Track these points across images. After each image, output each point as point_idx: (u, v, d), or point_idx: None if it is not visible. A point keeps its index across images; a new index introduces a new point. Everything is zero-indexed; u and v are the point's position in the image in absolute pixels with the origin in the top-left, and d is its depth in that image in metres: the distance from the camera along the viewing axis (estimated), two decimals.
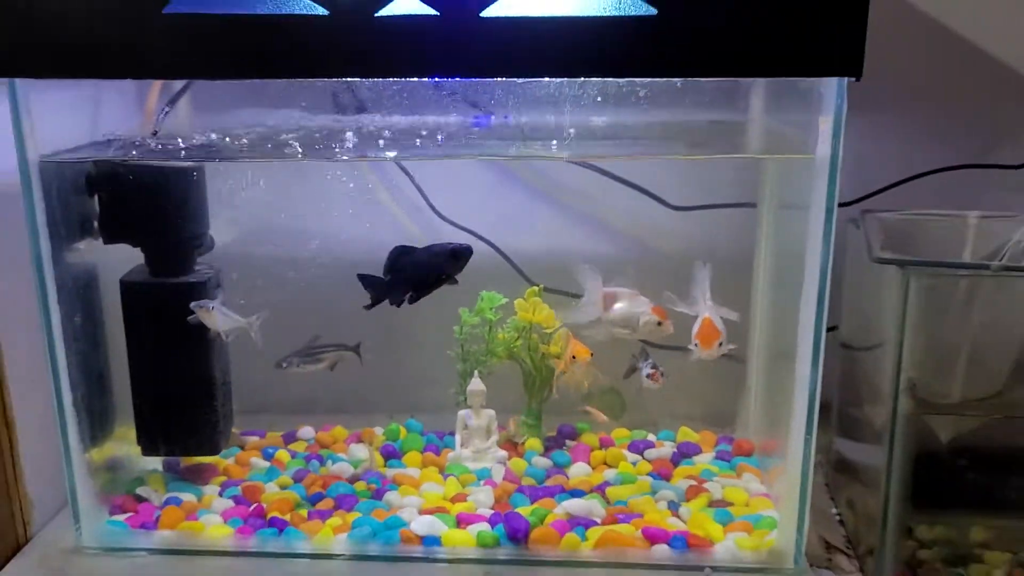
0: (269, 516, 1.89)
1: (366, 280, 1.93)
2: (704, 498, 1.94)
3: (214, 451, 1.98)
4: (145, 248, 1.90)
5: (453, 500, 1.95)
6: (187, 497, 1.98)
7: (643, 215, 2.34)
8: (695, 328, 1.79)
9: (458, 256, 1.86)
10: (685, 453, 2.17)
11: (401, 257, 1.87)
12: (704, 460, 2.13)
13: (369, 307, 1.95)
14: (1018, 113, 2.35)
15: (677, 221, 2.33)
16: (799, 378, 1.73)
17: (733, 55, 1.56)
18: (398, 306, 1.94)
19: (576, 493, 1.97)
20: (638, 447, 2.24)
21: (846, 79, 1.59)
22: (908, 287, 1.68)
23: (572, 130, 1.87)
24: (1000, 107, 2.35)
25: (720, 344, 1.83)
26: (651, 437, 2.31)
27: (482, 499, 1.95)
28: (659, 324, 1.90)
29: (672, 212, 2.31)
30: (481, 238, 2.35)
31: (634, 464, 2.12)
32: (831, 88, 1.61)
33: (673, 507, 1.92)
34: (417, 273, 1.86)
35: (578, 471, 2.08)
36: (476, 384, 2.17)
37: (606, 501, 2.01)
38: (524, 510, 1.88)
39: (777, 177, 2.11)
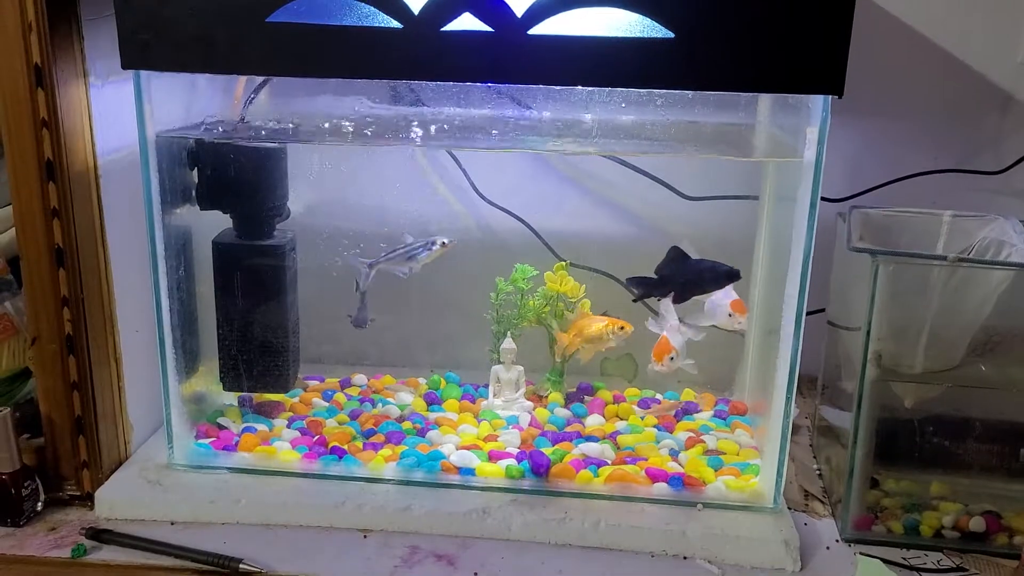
0: (330, 445, 2.10)
1: (636, 281, 2.13)
2: (700, 448, 2.15)
3: (284, 389, 2.19)
4: (234, 214, 2.12)
5: (486, 440, 2.15)
6: (260, 427, 2.20)
7: (659, 203, 2.42)
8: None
9: (729, 277, 2.05)
10: (687, 410, 2.35)
11: (675, 261, 2.05)
12: (703, 417, 2.31)
13: (636, 300, 2.18)
14: (998, 122, 2.62)
15: (689, 210, 2.55)
16: (782, 349, 2.02)
17: (736, 72, 1.77)
18: (658, 299, 2.16)
19: (591, 439, 2.17)
20: (646, 404, 2.50)
21: (830, 96, 1.88)
22: (876, 272, 1.98)
23: (598, 128, 2.16)
24: (982, 116, 2.63)
25: (672, 359, 2.12)
26: (658, 396, 2.63)
27: (510, 440, 2.16)
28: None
29: (685, 201, 2.40)
30: (516, 217, 2.44)
31: (642, 418, 2.33)
32: (817, 103, 1.87)
33: (673, 454, 2.13)
34: (686, 279, 2.05)
35: (593, 421, 2.28)
36: (508, 343, 2.30)
37: (616, 446, 2.17)
38: (546, 450, 2.08)
39: (775, 173, 2.19)
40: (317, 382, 2.46)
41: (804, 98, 1.81)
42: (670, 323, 2.24)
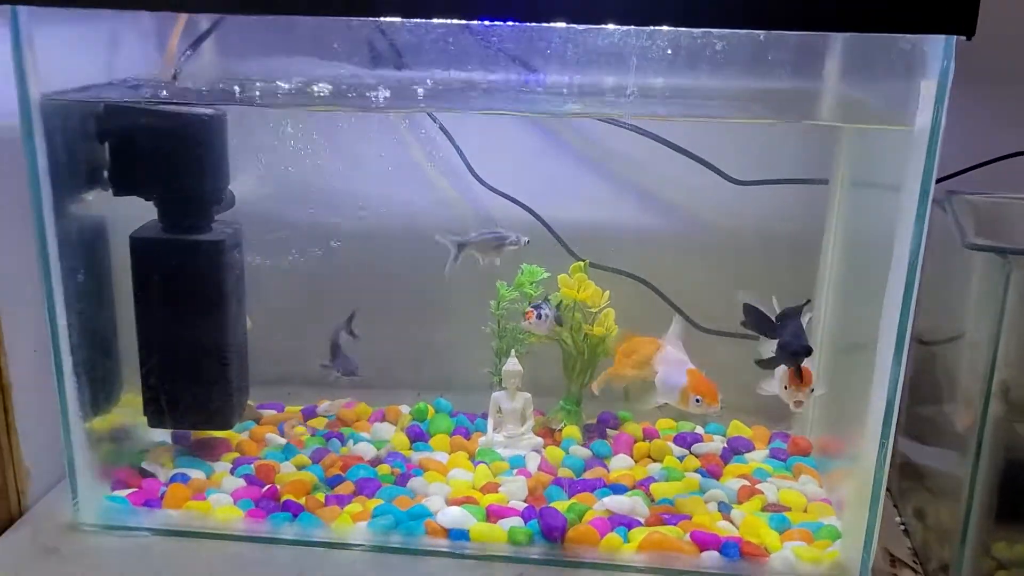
0: (283, 499, 1.77)
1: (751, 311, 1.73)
2: (758, 501, 1.80)
3: (226, 425, 1.83)
4: (158, 202, 1.76)
5: (483, 490, 1.81)
6: (195, 474, 1.85)
7: (700, 189, 2.15)
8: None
9: (795, 356, 1.68)
10: (736, 449, 2.01)
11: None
12: (757, 458, 1.98)
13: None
14: None
15: (737, 197, 2.14)
16: (878, 376, 1.54)
17: (825, 9, 1.36)
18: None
19: (617, 489, 1.82)
20: (685, 440, 2.05)
21: (955, 37, 1.38)
22: (1009, 278, 1.48)
23: (633, 88, 1.67)
24: None
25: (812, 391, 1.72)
26: (699, 430, 2.13)
27: (515, 490, 1.80)
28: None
29: (732, 187, 2.12)
30: (522, 205, 2.18)
31: (680, 459, 1.96)
32: (936, 48, 1.40)
33: (724, 509, 1.77)
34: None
35: (619, 464, 1.94)
36: (512, 364, 2.00)
37: (650, 499, 1.82)
38: (560, 505, 1.74)
39: (853, 151, 1.91)
40: (274, 412, 2.13)
41: (904, 46, 1.47)
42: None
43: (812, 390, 1.70)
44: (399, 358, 2.21)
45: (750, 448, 2.01)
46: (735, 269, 2.14)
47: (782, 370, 1.72)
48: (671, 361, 1.81)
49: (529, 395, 2.02)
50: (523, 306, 2.05)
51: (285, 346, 2.06)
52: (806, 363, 1.73)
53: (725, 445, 2.05)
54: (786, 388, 1.71)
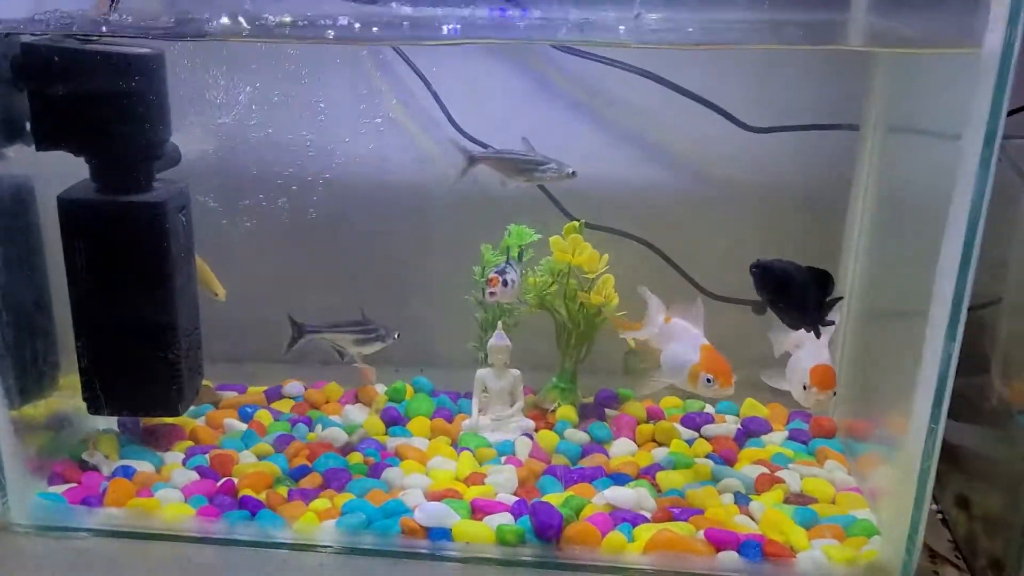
0: (240, 494, 1.60)
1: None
2: (779, 491, 1.62)
3: (173, 410, 1.63)
4: (89, 157, 1.56)
5: (467, 481, 1.65)
6: (143, 466, 1.69)
7: (710, 138, 1.94)
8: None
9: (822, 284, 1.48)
10: (752, 431, 1.83)
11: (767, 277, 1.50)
12: (775, 441, 1.81)
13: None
14: None
15: (752, 147, 1.92)
16: (929, 350, 1.32)
17: None
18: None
19: (619, 478, 1.66)
20: (694, 421, 1.85)
21: None
22: None
23: (639, 11, 1.44)
24: None
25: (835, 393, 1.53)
26: (709, 409, 1.92)
27: (503, 481, 1.63)
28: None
29: (746, 135, 1.90)
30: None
31: (689, 443, 1.79)
32: None
33: (741, 501, 1.60)
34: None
35: (621, 449, 1.77)
36: (499, 339, 1.80)
37: (656, 490, 1.64)
38: (555, 498, 1.58)
39: (890, 91, 1.69)
40: (234, 394, 1.96)
41: None
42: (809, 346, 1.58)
43: (835, 393, 1.48)
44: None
45: (767, 429, 1.84)
46: (749, 229, 1.93)
47: (800, 367, 1.51)
48: (680, 335, 1.59)
49: (518, 372, 1.82)
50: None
51: (247, 319, 1.87)
52: (827, 360, 1.51)
53: (739, 426, 1.85)
54: (805, 389, 1.49)
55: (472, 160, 1.74)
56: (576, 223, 1.82)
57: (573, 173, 1.74)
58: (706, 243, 1.97)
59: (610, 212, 1.95)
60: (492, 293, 1.72)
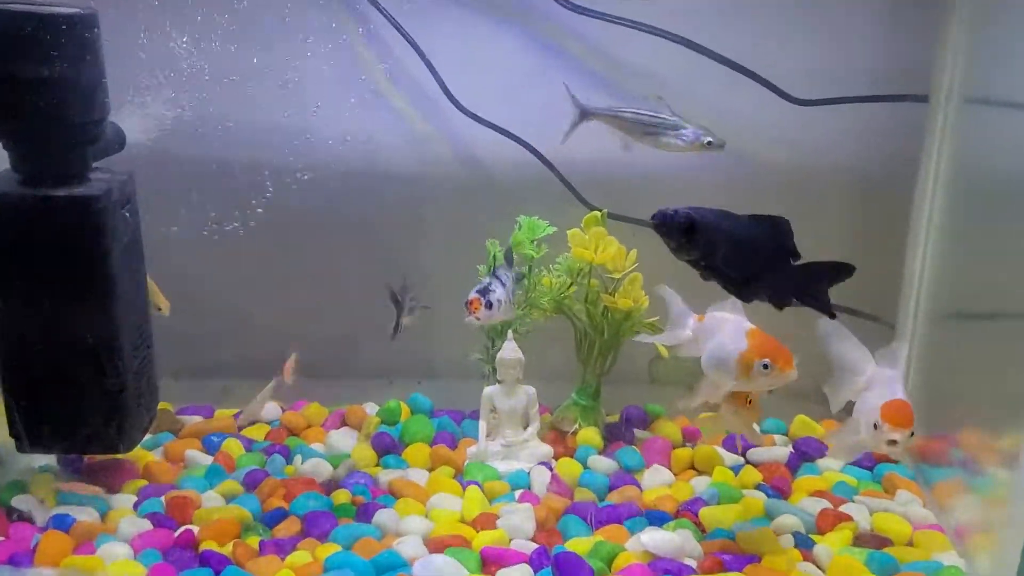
0: (202, 547, 1.37)
1: None
2: (847, 530, 1.42)
3: (114, 447, 1.41)
4: (9, 141, 1.33)
5: (476, 524, 1.44)
6: (84, 514, 1.44)
7: (748, 112, 1.71)
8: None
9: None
10: (806, 455, 1.64)
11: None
12: (833, 466, 1.62)
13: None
14: None
15: (798, 122, 1.70)
16: None
17: None
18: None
19: (656, 517, 1.46)
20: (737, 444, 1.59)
21: None
22: None
23: None
24: None
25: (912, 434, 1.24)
26: (754, 427, 1.64)
27: (518, 523, 1.42)
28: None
29: (791, 109, 1.67)
30: (516, 139, 1.74)
31: (735, 471, 1.59)
32: None
33: (803, 544, 1.39)
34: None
35: (655, 479, 1.58)
36: (510, 351, 1.58)
37: (700, 530, 1.42)
38: (581, 545, 1.36)
39: (969, 56, 1.49)
40: (199, 419, 1.73)
41: None
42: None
43: (912, 434, 1.21)
44: (362, 340, 1.78)
45: (822, 452, 1.64)
46: (795, 220, 1.64)
47: (870, 406, 1.24)
48: (720, 326, 1.33)
49: (533, 390, 1.61)
50: (523, 272, 1.59)
51: (214, 328, 1.73)
52: (902, 396, 1.24)
53: (791, 450, 1.58)
54: (876, 428, 1.21)
55: (584, 115, 1.54)
56: (597, 213, 1.60)
57: (712, 143, 1.51)
58: None
59: (634, 200, 1.67)
60: (475, 318, 1.48)
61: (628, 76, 1.76)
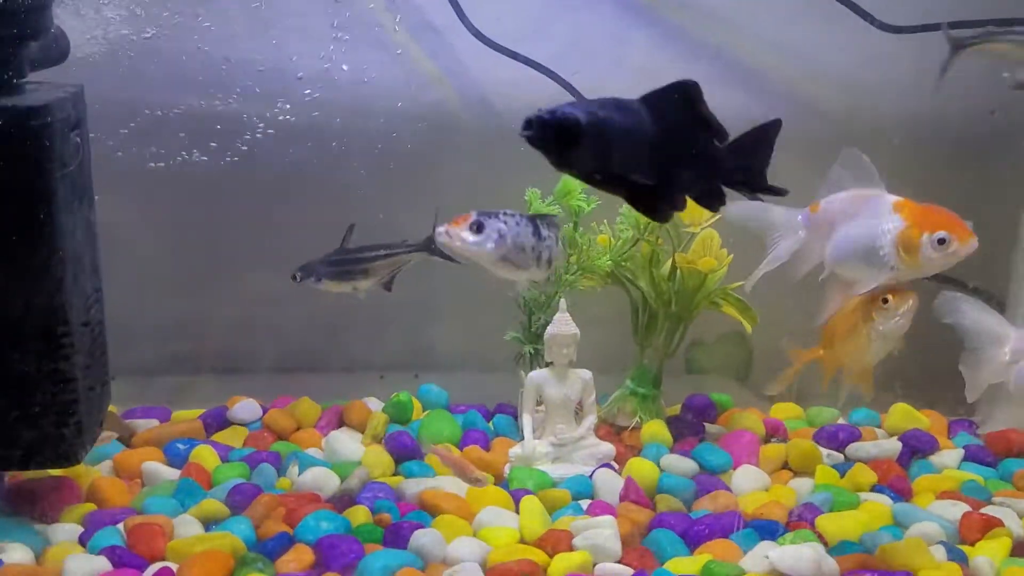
0: None
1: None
2: (1002, 538, 1.17)
3: (67, 457, 1.09)
4: None
5: (545, 545, 1.13)
6: (14, 552, 1.09)
7: (821, 46, 1.52)
8: None
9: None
10: (916, 449, 1.38)
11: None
12: (949, 462, 1.39)
13: None
14: None
15: (885, 57, 1.48)
16: None
17: None
18: None
19: (767, 528, 1.18)
20: (835, 437, 1.39)
21: None
22: None
23: None
24: None
25: None
26: (841, 420, 1.42)
27: (603, 543, 1.11)
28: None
29: (878, 39, 1.45)
30: (551, 74, 1.48)
31: (841, 471, 1.31)
32: None
33: (955, 556, 1.14)
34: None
35: (747, 482, 1.31)
36: (563, 322, 1.30)
37: (822, 543, 1.13)
38: (684, 565, 1.10)
39: None
40: (155, 423, 1.40)
41: None
42: None
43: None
44: (357, 320, 1.52)
45: (934, 446, 1.39)
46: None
47: None
48: (854, 207, 1.12)
49: (589, 374, 1.33)
50: (567, 230, 1.30)
51: (171, 311, 1.48)
52: None
53: (899, 444, 1.35)
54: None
55: (959, 47, 1.30)
56: None
57: None
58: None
59: None
60: (446, 234, 1.15)
61: (673, 7, 1.53)
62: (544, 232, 1.20)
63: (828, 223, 1.13)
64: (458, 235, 1.16)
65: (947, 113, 1.52)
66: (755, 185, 0.98)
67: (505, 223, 1.18)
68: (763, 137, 0.99)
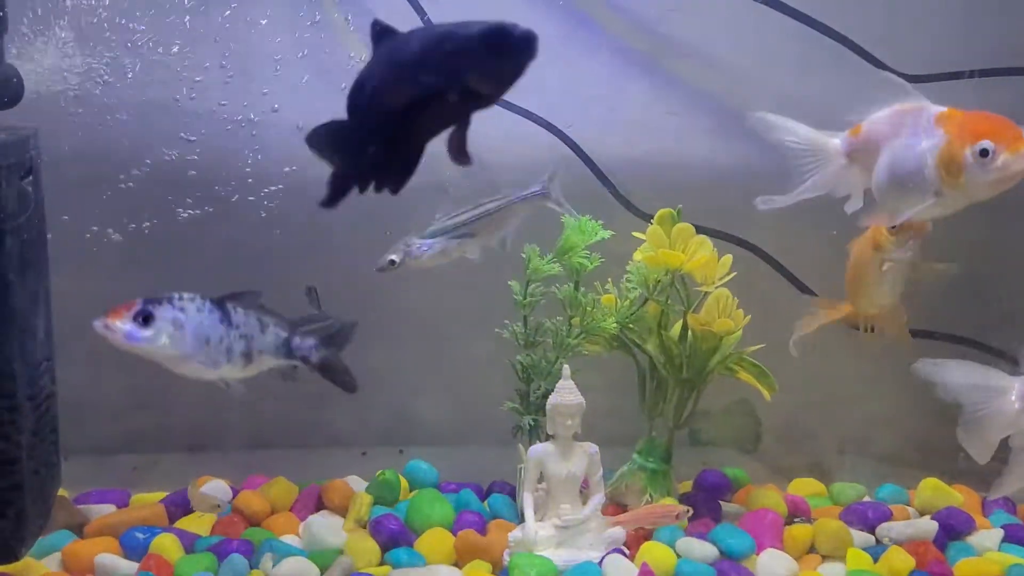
0: None
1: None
2: None
3: (7, 553, 0.96)
4: None
5: None
6: None
7: (829, 93, 1.37)
8: None
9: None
10: (952, 528, 1.26)
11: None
12: (988, 544, 1.26)
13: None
14: None
15: None
16: None
17: None
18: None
19: None
20: (865, 517, 1.26)
21: None
22: None
23: None
24: None
25: None
26: (868, 498, 1.31)
27: None
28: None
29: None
30: (549, 127, 1.39)
31: (874, 555, 1.19)
32: None
33: None
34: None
35: (773, 568, 1.17)
36: (566, 392, 1.17)
37: None
38: None
39: None
40: (111, 508, 1.26)
41: None
42: None
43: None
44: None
45: (971, 525, 1.27)
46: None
47: None
48: (893, 126, 1.02)
49: (595, 448, 1.20)
50: (568, 290, 1.21)
51: (133, 382, 1.32)
52: None
53: (935, 524, 1.24)
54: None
55: None
56: (672, 211, 1.21)
57: None
58: (825, 247, 1.37)
59: (684, 203, 1.32)
60: (103, 327, 0.96)
61: (673, 55, 1.44)
62: (237, 319, 1.02)
63: (872, 147, 1.02)
64: (120, 329, 0.97)
65: None
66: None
67: (183, 310, 0.99)
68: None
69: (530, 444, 1.22)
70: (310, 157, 0.89)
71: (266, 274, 1.30)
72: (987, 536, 1.28)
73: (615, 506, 1.26)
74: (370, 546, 1.16)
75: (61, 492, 1.19)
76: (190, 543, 1.16)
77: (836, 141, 1.06)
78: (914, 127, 0.98)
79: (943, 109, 0.98)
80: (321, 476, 1.33)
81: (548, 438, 1.20)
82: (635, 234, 1.22)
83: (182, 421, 1.40)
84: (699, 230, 1.35)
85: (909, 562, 1.17)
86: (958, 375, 0.99)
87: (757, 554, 1.19)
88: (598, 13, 1.45)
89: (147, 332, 0.95)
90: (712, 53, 1.47)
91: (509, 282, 1.25)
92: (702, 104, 1.48)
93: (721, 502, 1.28)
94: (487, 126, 1.35)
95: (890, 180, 0.99)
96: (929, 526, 1.25)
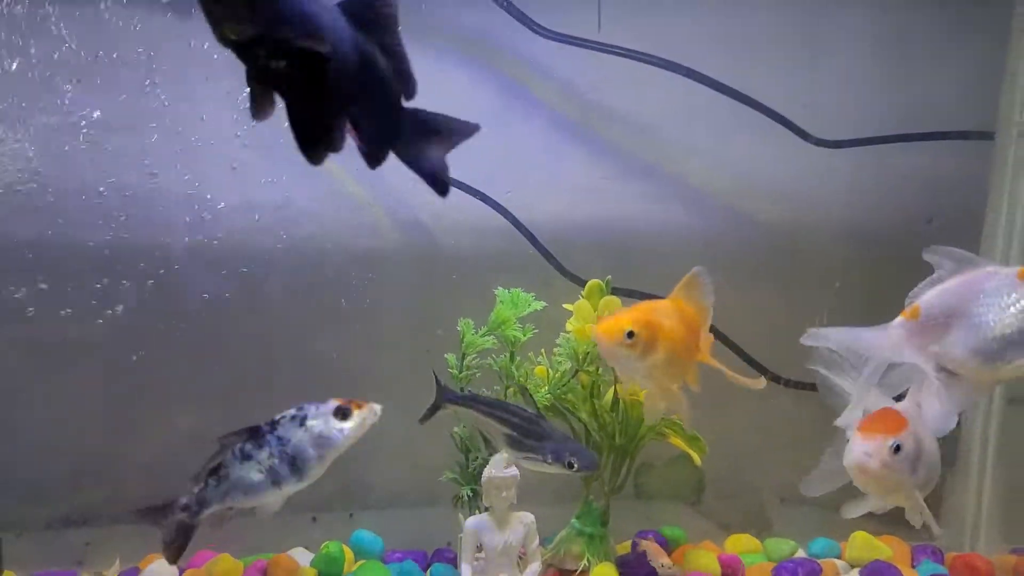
0: None
1: None
2: None
3: None
4: None
5: None
6: None
7: (757, 160, 1.47)
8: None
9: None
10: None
11: None
12: None
13: None
14: None
15: (819, 170, 1.45)
16: None
17: None
18: None
19: None
20: (795, 573, 1.26)
21: None
22: None
23: None
24: None
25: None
26: (800, 553, 1.32)
27: None
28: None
29: (811, 153, 1.42)
30: (483, 197, 1.41)
31: None
32: None
33: None
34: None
35: None
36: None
37: None
38: None
39: None
40: None
41: None
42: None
43: (898, 447, 0.96)
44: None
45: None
46: (820, 291, 1.42)
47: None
48: (969, 294, 0.96)
49: (531, 517, 1.22)
50: (503, 361, 1.23)
51: (83, 455, 1.31)
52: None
53: None
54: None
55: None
56: (601, 283, 1.24)
57: None
58: (759, 310, 1.44)
59: (617, 270, 1.34)
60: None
61: (606, 122, 1.46)
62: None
63: (933, 322, 0.97)
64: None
65: (885, 222, 1.47)
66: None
67: None
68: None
69: (470, 513, 1.22)
70: None
71: None
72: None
73: (555, 571, 1.24)
74: None
75: (6, 574, 1.19)
76: None
77: (893, 331, 1.00)
78: (1000, 286, 0.94)
79: (1018, 268, 0.95)
80: (272, 543, 1.31)
81: (484, 509, 1.19)
82: (566, 306, 1.23)
83: (134, 493, 1.34)
84: (634, 295, 1.38)
85: None
86: (837, 332, 1.03)
87: None
88: (532, 81, 1.46)
89: None
90: (640, 120, 1.47)
91: (445, 355, 1.25)
92: (635, 168, 1.49)
93: (661, 561, 1.26)
94: (428, 193, 1.40)
95: (977, 349, 0.95)
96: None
